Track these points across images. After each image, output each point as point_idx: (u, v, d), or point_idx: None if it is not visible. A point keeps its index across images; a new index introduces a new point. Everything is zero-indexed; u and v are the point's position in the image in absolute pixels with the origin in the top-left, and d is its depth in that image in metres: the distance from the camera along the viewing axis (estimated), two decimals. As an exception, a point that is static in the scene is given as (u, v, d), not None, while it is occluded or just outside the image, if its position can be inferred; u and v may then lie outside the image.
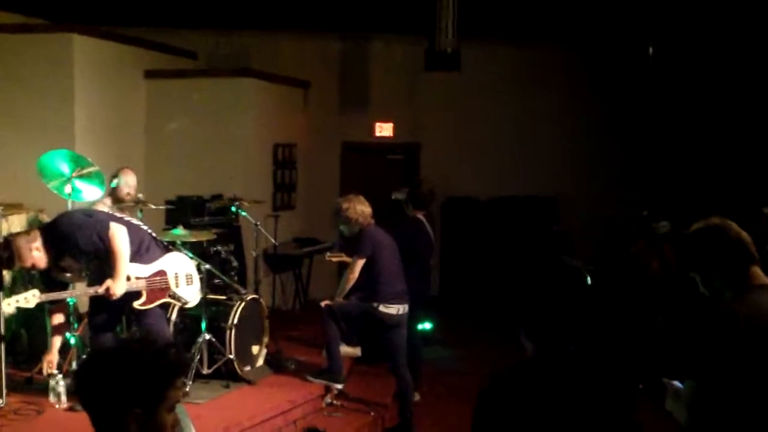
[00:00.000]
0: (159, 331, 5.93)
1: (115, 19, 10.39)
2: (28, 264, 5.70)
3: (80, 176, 6.72)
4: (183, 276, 6.26)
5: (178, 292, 6.19)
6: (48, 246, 5.71)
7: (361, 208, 6.80)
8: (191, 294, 6.37)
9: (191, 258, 6.71)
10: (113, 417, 2.31)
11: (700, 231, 3.22)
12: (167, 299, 6.15)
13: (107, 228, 5.75)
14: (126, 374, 2.30)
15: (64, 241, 5.78)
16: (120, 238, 5.77)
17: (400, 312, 6.72)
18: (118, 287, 5.71)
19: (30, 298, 5.55)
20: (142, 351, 2.36)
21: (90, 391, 2.34)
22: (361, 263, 6.74)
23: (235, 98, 10.41)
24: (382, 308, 6.66)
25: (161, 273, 6.07)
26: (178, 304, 6.33)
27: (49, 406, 6.09)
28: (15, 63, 9.05)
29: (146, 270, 5.94)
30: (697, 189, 10.48)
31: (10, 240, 5.73)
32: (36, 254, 5.66)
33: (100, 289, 5.69)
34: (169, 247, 6.48)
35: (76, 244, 5.77)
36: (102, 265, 5.83)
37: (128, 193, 7.12)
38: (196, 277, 6.46)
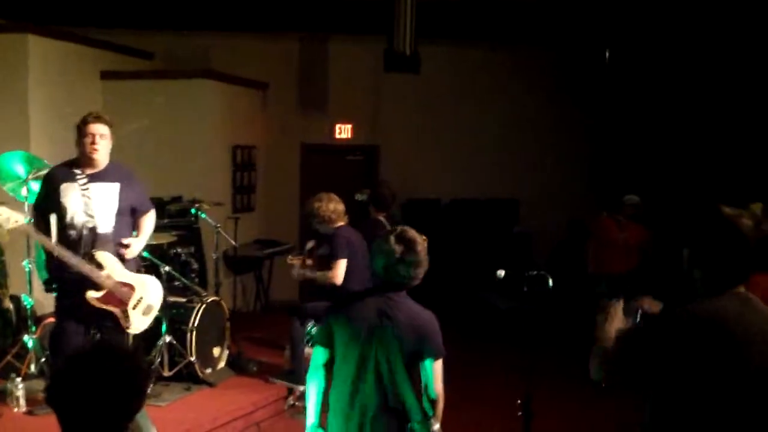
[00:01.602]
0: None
1: (71, 20, 10.24)
2: (98, 132, 5.68)
3: (36, 178, 6.60)
4: (145, 303, 5.96)
5: (132, 314, 5.85)
6: (112, 165, 5.87)
7: (333, 206, 6.82)
8: (140, 323, 5.96)
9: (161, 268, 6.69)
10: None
11: (717, 220, 3.11)
12: (117, 312, 5.78)
13: (151, 208, 6.14)
14: (111, 383, 2.26)
15: (125, 172, 5.93)
16: (153, 220, 6.14)
17: None
18: (136, 248, 5.86)
19: (17, 219, 5.45)
20: (120, 356, 2.32)
21: (75, 401, 2.27)
22: (343, 264, 6.71)
23: (193, 100, 10.32)
24: None
25: (130, 287, 5.84)
26: (123, 323, 5.84)
27: (7, 410, 5.99)
28: (-32, 63, 8.91)
29: (122, 274, 5.84)
30: (656, 189, 10.61)
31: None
32: (104, 140, 5.74)
33: (125, 240, 5.77)
34: (142, 269, 6.40)
35: (129, 184, 5.87)
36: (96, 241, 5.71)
37: None
38: (154, 312, 6.12)
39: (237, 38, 11.63)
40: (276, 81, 12.00)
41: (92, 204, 5.67)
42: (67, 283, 5.69)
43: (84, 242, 5.66)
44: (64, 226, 5.67)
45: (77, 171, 5.73)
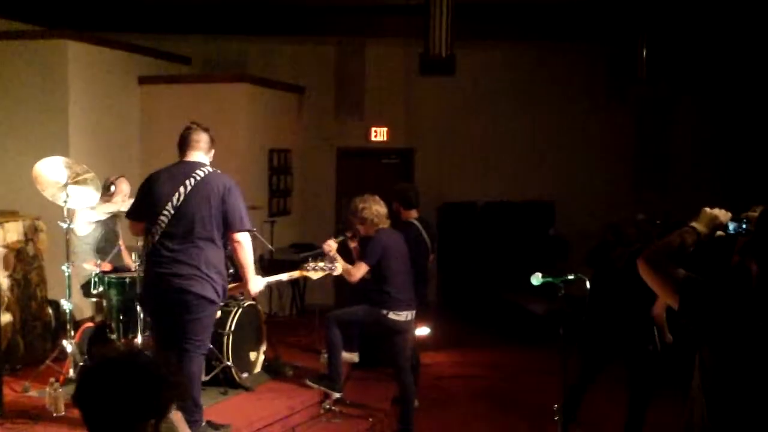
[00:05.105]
0: None
1: (109, 25, 10.38)
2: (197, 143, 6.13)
3: (76, 182, 6.68)
4: None
5: None
6: None
7: (377, 209, 6.76)
8: None
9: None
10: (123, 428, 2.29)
11: None
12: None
13: None
14: (139, 385, 2.29)
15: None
16: None
17: (408, 318, 6.68)
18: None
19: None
20: (148, 361, 2.34)
21: (99, 404, 2.31)
22: (365, 269, 6.67)
23: (230, 104, 10.37)
24: (391, 315, 6.60)
25: None
26: None
27: (47, 415, 6.04)
28: (9, 69, 9.03)
29: None
30: (697, 191, 10.51)
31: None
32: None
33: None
34: None
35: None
36: None
37: (123, 198, 7.18)
38: None
39: (273, 42, 11.70)
40: (312, 85, 12.04)
41: None
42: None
43: None
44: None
45: None
